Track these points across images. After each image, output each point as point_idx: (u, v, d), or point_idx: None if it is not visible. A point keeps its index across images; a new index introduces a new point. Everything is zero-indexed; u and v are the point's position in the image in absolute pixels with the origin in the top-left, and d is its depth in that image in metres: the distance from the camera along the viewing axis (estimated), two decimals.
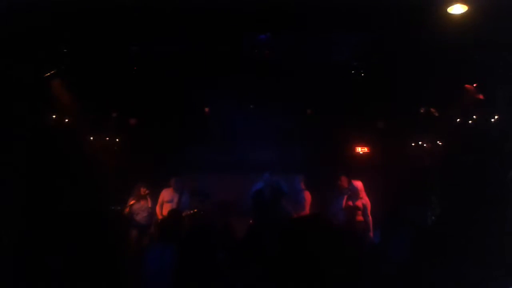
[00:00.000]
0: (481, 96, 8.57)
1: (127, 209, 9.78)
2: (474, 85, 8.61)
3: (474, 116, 9.25)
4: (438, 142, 10.54)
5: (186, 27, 7.40)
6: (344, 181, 9.81)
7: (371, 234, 9.16)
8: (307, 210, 10.10)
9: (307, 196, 10.16)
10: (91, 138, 10.65)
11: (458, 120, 9.60)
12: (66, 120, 9.69)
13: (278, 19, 7.10)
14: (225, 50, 8.21)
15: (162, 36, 7.91)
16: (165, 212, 9.71)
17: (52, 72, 8.53)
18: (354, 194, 9.37)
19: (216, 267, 4.51)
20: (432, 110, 9.90)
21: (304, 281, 3.68)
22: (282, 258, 3.62)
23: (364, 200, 9.37)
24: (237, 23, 7.24)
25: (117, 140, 11.33)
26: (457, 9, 6.26)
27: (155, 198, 10.14)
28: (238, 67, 8.77)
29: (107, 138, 11.12)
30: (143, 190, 9.94)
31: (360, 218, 9.26)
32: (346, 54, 8.53)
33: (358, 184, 9.42)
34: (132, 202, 9.87)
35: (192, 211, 9.67)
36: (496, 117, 8.62)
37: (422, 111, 10.04)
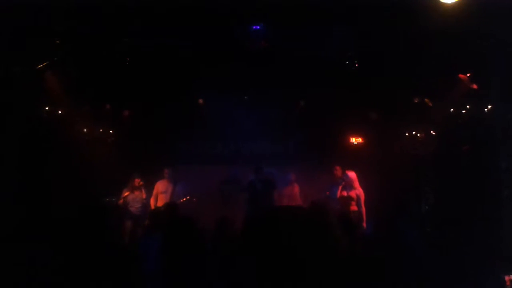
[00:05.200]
0: (475, 86, 8.57)
1: (121, 201, 9.80)
2: (468, 74, 8.61)
3: (468, 106, 9.25)
4: (431, 132, 10.55)
5: (179, 18, 7.36)
6: (338, 171, 9.87)
7: (364, 224, 9.20)
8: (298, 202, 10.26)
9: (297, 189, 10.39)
10: (85, 130, 10.62)
11: (451, 110, 9.60)
12: (60, 112, 9.65)
13: (271, 10, 7.08)
14: (218, 41, 8.18)
15: (155, 27, 7.87)
16: (160, 203, 9.76)
17: (45, 63, 8.47)
18: (348, 184, 9.40)
19: (202, 259, 4.52)
20: (426, 100, 9.90)
21: (294, 275, 3.68)
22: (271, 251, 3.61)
23: (358, 190, 9.40)
24: (231, 14, 7.22)
25: (111, 131, 11.31)
26: None
27: (150, 189, 10.17)
28: (232, 58, 8.75)
29: (101, 130, 11.10)
30: (137, 181, 9.97)
31: (354, 208, 9.31)
32: (340, 45, 8.51)
33: (352, 174, 9.44)
34: (126, 194, 9.89)
35: (184, 199, 9.77)
36: (489, 106, 8.62)
37: (416, 101, 10.04)
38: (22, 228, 7.52)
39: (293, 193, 10.58)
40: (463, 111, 9.35)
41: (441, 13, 6.36)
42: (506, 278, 6.42)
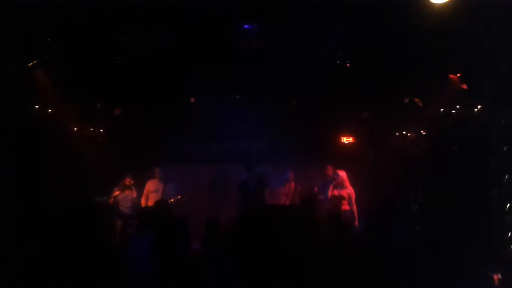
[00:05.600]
0: (464, 86, 8.61)
1: (111, 200, 9.77)
2: (458, 75, 8.66)
3: (458, 106, 9.30)
4: (422, 131, 10.61)
5: (172, 17, 7.36)
6: (330, 170, 9.89)
7: (356, 223, 9.24)
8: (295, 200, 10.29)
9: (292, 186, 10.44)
10: (75, 128, 10.57)
11: (442, 110, 9.65)
12: (50, 111, 9.60)
13: (265, 10, 7.09)
14: (211, 40, 8.17)
15: (148, 26, 7.86)
16: (150, 202, 9.73)
17: (36, 62, 8.43)
18: (339, 183, 9.43)
19: (193, 259, 4.52)
20: (416, 100, 9.95)
21: (286, 275, 3.66)
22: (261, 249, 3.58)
23: (349, 189, 9.45)
24: (224, 13, 7.22)
25: (102, 130, 11.27)
26: None
27: (140, 189, 10.15)
28: (224, 57, 8.74)
29: (92, 129, 11.05)
30: (128, 181, 9.96)
31: (345, 207, 9.35)
32: (332, 45, 8.52)
33: (342, 173, 9.49)
34: (117, 193, 9.86)
35: (175, 198, 9.77)
36: (479, 106, 8.67)
37: (406, 101, 10.08)
38: (13, 227, 7.49)
39: (290, 192, 10.60)
40: (453, 111, 9.40)
41: (431, 13, 6.40)
42: (495, 276, 6.47)
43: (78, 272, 4.25)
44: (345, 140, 11.75)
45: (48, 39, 7.99)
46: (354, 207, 9.39)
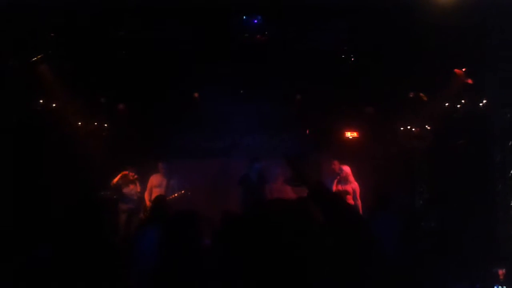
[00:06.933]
0: (470, 81, 8.58)
1: (113, 183, 9.81)
2: (463, 69, 8.62)
3: (463, 101, 9.26)
4: (427, 126, 10.57)
5: (174, 11, 7.34)
6: (336, 165, 9.86)
7: None
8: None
9: None
10: (79, 123, 10.56)
11: (447, 104, 9.61)
12: (54, 105, 9.58)
13: (268, 3, 7.06)
14: (214, 34, 8.15)
15: (151, 21, 7.84)
16: (154, 197, 9.76)
17: (39, 57, 8.42)
18: (343, 178, 9.42)
19: (198, 253, 4.50)
20: (421, 94, 9.91)
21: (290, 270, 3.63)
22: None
23: (354, 184, 9.43)
24: (227, 7, 7.19)
25: (106, 125, 11.27)
26: None
27: (144, 183, 10.16)
28: (227, 52, 8.72)
29: (96, 124, 11.05)
30: (131, 175, 9.97)
31: (350, 202, 9.32)
32: (336, 39, 8.49)
33: (346, 168, 9.47)
34: (116, 179, 9.88)
35: (179, 193, 9.76)
36: (484, 101, 8.64)
37: (411, 95, 10.04)
38: (16, 223, 7.51)
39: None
40: (458, 106, 9.37)
41: (436, 7, 6.37)
42: (500, 271, 6.47)
43: (82, 267, 4.25)
44: (349, 135, 11.69)
45: (52, 34, 7.97)
46: (359, 202, 9.38)
